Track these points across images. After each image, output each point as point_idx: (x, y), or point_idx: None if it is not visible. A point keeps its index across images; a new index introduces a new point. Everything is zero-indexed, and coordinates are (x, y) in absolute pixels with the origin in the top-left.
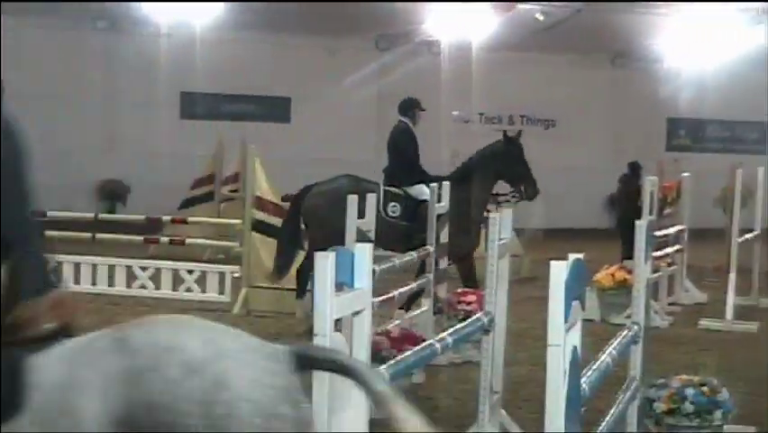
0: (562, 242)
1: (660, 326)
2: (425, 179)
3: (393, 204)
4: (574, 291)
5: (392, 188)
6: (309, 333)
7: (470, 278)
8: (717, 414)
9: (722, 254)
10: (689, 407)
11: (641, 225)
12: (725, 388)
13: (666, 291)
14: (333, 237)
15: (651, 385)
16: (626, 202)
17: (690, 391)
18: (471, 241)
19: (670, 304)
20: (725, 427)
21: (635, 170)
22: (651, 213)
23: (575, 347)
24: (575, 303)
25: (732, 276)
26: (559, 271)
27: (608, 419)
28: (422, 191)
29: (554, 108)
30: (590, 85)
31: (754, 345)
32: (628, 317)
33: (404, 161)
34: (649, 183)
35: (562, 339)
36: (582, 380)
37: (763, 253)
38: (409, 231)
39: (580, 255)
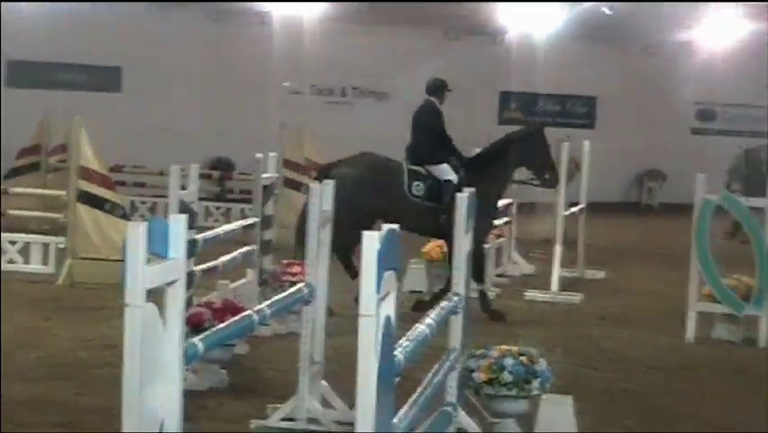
0: None
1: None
2: (453, 157)
3: (417, 183)
4: (388, 262)
5: (416, 167)
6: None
7: (478, 266)
8: (535, 383)
9: (550, 227)
10: (507, 376)
11: (462, 198)
12: (543, 358)
13: (494, 263)
14: (360, 217)
15: (471, 356)
16: None
17: (508, 361)
18: (490, 224)
19: (498, 276)
20: (543, 396)
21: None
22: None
23: (388, 317)
24: (388, 274)
25: (558, 248)
26: (371, 243)
27: (424, 388)
28: (446, 171)
29: (386, 81)
30: (423, 57)
31: (577, 317)
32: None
33: (432, 138)
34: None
35: (375, 310)
36: (398, 350)
37: (588, 225)
38: (435, 211)
39: (395, 226)
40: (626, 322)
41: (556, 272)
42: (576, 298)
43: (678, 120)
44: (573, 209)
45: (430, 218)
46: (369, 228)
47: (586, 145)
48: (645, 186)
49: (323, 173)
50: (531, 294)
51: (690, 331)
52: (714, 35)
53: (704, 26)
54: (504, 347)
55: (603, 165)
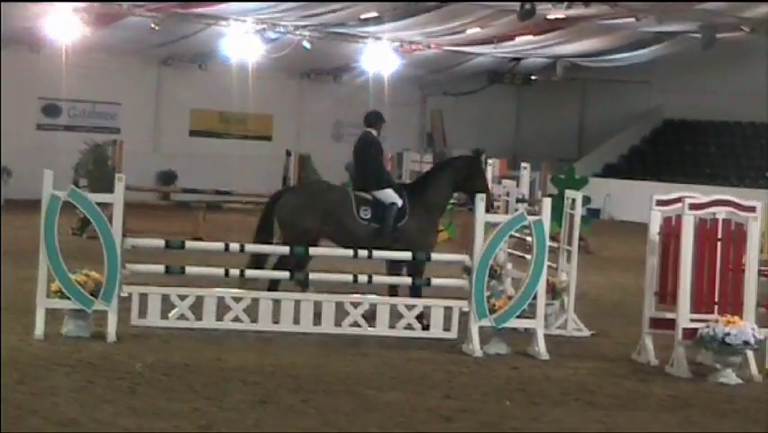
0: None
1: None
2: (392, 184)
3: (364, 208)
4: None
5: (362, 193)
6: None
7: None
8: None
9: None
10: None
11: None
12: None
13: None
14: (302, 236)
15: None
16: None
17: None
18: (434, 241)
19: None
20: None
21: None
22: None
23: None
24: None
25: None
26: None
27: None
28: (391, 195)
29: None
30: None
31: None
32: None
33: (373, 168)
34: None
35: None
36: None
37: None
38: (378, 232)
39: None
40: None
41: None
42: None
43: (23, 115)
44: None
45: (376, 238)
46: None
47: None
48: None
49: (273, 199)
50: None
51: (40, 328)
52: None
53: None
54: None
55: None
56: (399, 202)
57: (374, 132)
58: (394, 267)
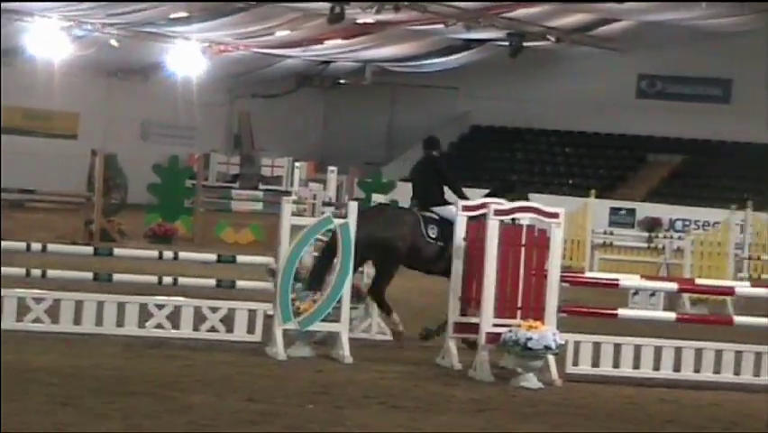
0: None
1: None
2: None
3: (432, 226)
4: None
5: (427, 213)
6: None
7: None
8: None
9: None
10: None
11: None
12: None
13: None
14: (398, 259)
15: None
16: None
17: None
18: None
19: None
20: None
21: None
22: None
23: None
24: None
25: None
26: None
27: None
28: (452, 213)
29: None
30: None
31: None
32: None
33: (439, 188)
34: None
35: None
36: None
37: None
38: (443, 251)
39: None
40: None
41: None
42: None
43: None
44: None
45: (440, 258)
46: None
47: None
48: None
49: (362, 220)
50: None
51: None
52: None
53: None
54: None
55: None
56: None
57: (435, 153)
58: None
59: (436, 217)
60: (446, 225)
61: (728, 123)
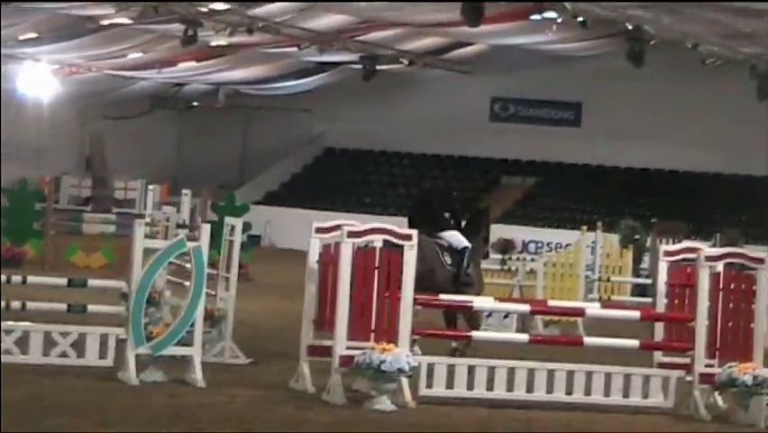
0: None
1: None
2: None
3: (445, 253)
4: None
5: (436, 239)
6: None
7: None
8: None
9: None
10: None
11: None
12: None
13: None
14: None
15: None
16: None
17: None
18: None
19: None
20: None
21: None
22: None
23: None
24: None
25: None
26: None
27: None
28: (459, 238)
29: None
30: None
31: None
32: None
33: (444, 218)
34: None
35: None
36: None
37: None
38: (456, 277)
39: None
40: None
41: None
42: None
43: None
44: None
45: (453, 284)
46: None
47: None
48: None
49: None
50: None
51: None
52: None
53: None
54: None
55: None
56: (469, 245)
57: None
58: (450, 319)
59: (445, 244)
60: (455, 252)
61: (579, 145)
